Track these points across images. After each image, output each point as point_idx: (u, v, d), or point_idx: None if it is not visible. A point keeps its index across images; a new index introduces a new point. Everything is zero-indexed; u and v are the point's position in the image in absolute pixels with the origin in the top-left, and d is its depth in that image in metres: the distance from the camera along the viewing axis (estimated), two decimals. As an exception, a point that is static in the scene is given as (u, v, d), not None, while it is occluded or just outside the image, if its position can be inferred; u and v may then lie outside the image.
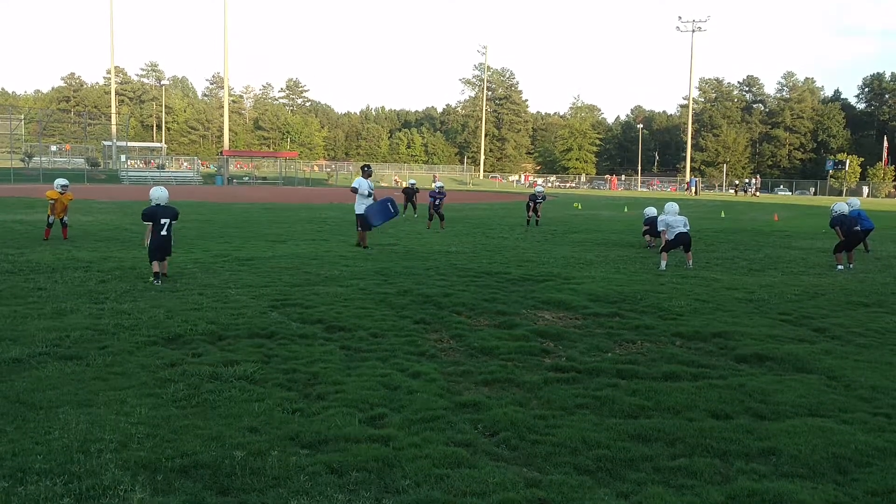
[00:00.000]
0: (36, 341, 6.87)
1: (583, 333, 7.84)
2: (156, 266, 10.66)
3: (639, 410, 5.36)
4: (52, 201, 15.70)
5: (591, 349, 7.18)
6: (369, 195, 15.80)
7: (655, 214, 16.47)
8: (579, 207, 38.66)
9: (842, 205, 15.11)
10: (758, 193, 74.22)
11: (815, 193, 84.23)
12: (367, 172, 16.25)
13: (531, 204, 23.81)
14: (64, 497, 3.75)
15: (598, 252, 16.14)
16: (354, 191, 15.86)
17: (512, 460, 4.45)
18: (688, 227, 13.92)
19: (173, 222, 10.95)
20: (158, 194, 11.01)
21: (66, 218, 16.22)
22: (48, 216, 15.90)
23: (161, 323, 7.82)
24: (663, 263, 13.59)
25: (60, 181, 16.06)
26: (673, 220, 13.88)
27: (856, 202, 15.91)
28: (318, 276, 11.50)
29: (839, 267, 14.01)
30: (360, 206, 15.71)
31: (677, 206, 14.27)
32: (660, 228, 14.18)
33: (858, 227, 14.69)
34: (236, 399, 5.41)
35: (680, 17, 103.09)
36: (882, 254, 16.77)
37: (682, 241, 13.87)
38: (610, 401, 5.55)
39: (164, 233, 10.72)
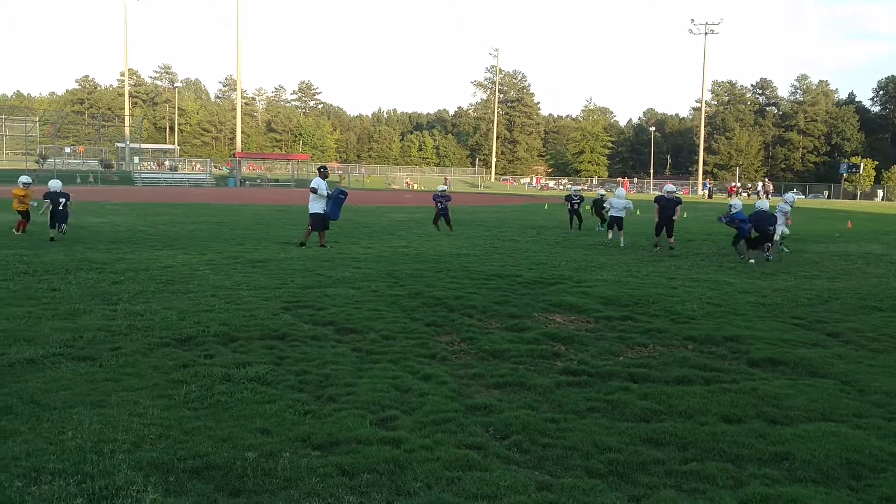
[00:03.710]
0: (50, 342, 6.91)
1: (594, 337, 7.82)
2: (52, 233, 15.98)
3: (650, 414, 5.34)
4: (21, 196, 17.32)
5: (603, 352, 7.16)
6: (327, 196, 16.33)
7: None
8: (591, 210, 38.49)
9: (763, 202, 16.16)
10: (770, 197, 73.79)
11: (828, 197, 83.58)
12: (323, 173, 16.93)
13: (571, 206, 23.10)
14: (77, 497, 3.77)
15: (610, 255, 16.09)
16: (314, 191, 16.30)
17: (523, 463, 4.44)
18: (624, 213, 18.19)
19: (69, 202, 16.26)
20: (54, 185, 16.48)
21: (42, 211, 16.97)
22: (27, 210, 17.42)
23: (173, 324, 7.86)
24: (609, 234, 18.48)
25: (23, 178, 17.97)
26: (616, 202, 18.18)
27: (738, 203, 16.29)
28: (330, 278, 11.52)
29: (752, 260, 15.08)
30: (314, 206, 16.24)
31: (624, 192, 19.16)
32: (605, 206, 18.66)
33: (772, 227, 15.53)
34: (248, 400, 5.42)
35: (693, 20, 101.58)
36: (897, 258, 16.63)
37: (615, 222, 18.01)
38: (621, 404, 5.53)
39: (60, 208, 16.01)
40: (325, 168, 17.46)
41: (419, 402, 5.48)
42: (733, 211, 16.07)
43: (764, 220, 15.24)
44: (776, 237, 17.34)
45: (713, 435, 4.91)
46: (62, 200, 16.01)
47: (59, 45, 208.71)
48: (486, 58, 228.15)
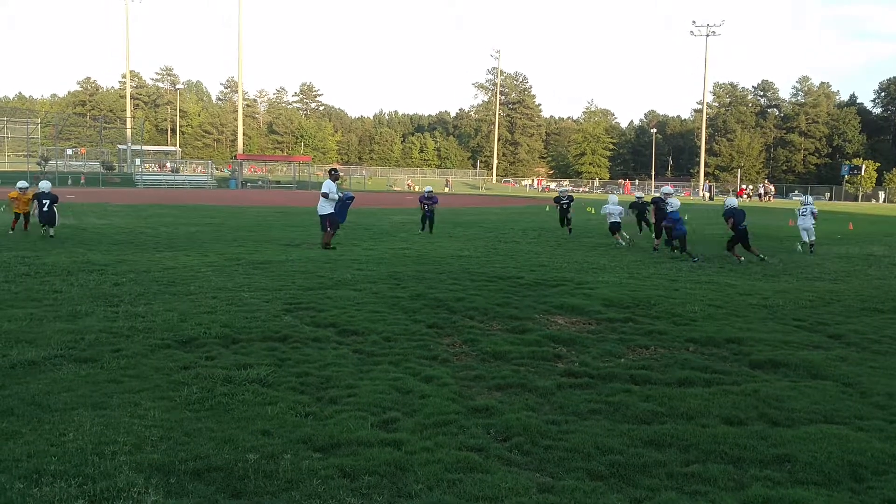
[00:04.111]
0: (51, 344, 6.92)
1: (596, 338, 7.81)
2: (47, 228, 17.14)
3: (652, 416, 5.34)
4: (13, 199, 18.47)
5: (604, 354, 7.16)
6: (338, 199, 16.50)
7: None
8: (593, 212, 38.53)
9: (732, 199, 16.52)
10: (771, 198, 73.70)
11: (830, 199, 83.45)
12: (334, 176, 17.10)
13: (561, 208, 22.98)
14: (78, 499, 3.78)
15: (611, 257, 16.09)
16: (325, 195, 16.35)
17: (524, 465, 4.44)
18: (619, 218, 18.96)
19: (55, 203, 17.26)
20: (44, 186, 17.65)
21: (31, 212, 18.35)
22: (13, 212, 18.52)
23: (175, 326, 7.86)
24: (621, 241, 18.64)
25: (20, 183, 19.28)
26: (612, 209, 18.99)
27: (676, 203, 16.41)
28: (331, 279, 11.52)
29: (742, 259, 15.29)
30: (326, 208, 16.31)
31: (616, 198, 19.79)
32: (602, 213, 19.61)
33: (745, 224, 15.58)
34: (249, 402, 5.43)
35: (694, 22, 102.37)
36: (898, 259, 16.61)
37: (613, 228, 18.96)
38: (623, 406, 5.53)
39: (45, 209, 17.07)
40: (335, 171, 17.53)
41: (420, 403, 5.48)
42: (669, 209, 16.11)
43: (740, 218, 15.44)
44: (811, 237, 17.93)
45: (714, 437, 4.91)
46: (46, 202, 17.03)
47: (60, 46, 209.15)
48: (487, 59, 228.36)
